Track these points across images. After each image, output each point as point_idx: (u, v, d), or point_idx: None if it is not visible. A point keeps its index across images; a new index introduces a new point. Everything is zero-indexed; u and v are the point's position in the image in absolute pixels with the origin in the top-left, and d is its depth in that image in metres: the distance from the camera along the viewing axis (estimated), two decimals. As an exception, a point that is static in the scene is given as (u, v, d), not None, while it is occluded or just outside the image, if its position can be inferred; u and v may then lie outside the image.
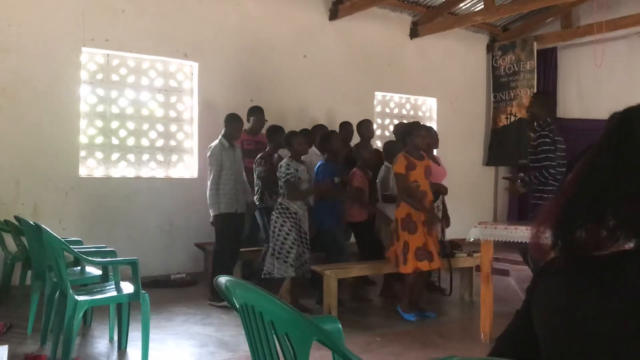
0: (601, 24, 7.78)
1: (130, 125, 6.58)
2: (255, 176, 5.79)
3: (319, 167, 5.60)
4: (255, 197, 5.80)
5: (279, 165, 5.31)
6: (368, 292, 6.22)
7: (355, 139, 6.58)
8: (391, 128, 8.11)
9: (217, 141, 5.59)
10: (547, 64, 8.93)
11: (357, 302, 5.77)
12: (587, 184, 0.98)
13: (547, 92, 6.25)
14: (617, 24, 7.67)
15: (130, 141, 6.58)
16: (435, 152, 6.13)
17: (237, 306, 1.62)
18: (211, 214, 5.50)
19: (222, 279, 1.66)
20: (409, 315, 5.09)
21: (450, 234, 6.02)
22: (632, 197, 0.92)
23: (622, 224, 0.96)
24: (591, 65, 8.12)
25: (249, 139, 6.29)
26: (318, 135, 6.13)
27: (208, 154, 5.59)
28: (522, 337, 1.10)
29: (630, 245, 0.98)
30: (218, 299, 5.24)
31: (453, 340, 4.57)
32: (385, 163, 5.91)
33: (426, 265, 5.00)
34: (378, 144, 7.93)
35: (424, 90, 8.87)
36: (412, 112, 8.93)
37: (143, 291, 3.71)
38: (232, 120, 5.68)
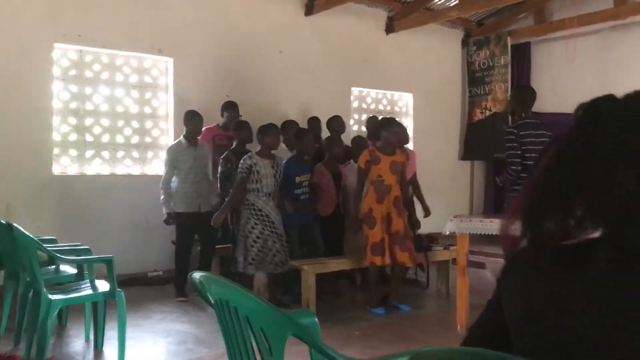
0: (573, 19, 7.89)
1: (105, 122, 6.50)
2: (220, 172, 5.76)
3: (286, 163, 5.55)
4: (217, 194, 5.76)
5: (241, 161, 5.25)
6: (347, 286, 6.24)
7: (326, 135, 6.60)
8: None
9: (176, 141, 5.62)
10: (521, 58, 9.04)
11: (336, 297, 5.79)
12: (555, 174, 1.00)
13: (526, 87, 6.30)
14: (589, 19, 7.79)
15: (105, 138, 6.50)
16: (411, 146, 6.16)
17: (212, 302, 1.62)
18: (164, 212, 5.56)
19: (197, 275, 1.66)
20: (377, 309, 5.13)
21: (427, 227, 6.07)
22: (599, 187, 0.94)
23: (589, 213, 0.98)
24: (564, 60, 8.24)
25: (221, 134, 6.25)
26: (290, 130, 6.12)
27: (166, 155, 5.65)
28: (494, 326, 1.12)
29: (597, 234, 1.00)
30: (182, 294, 5.37)
31: (430, 333, 4.61)
32: (351, 161, 5.94)
33: (379, 260, 5.05)
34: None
35: (400, 86, 8.91)
36: (388, 108, 8.96)
37: (119, 289, 3.67)
38: (190, 117, 5.67)
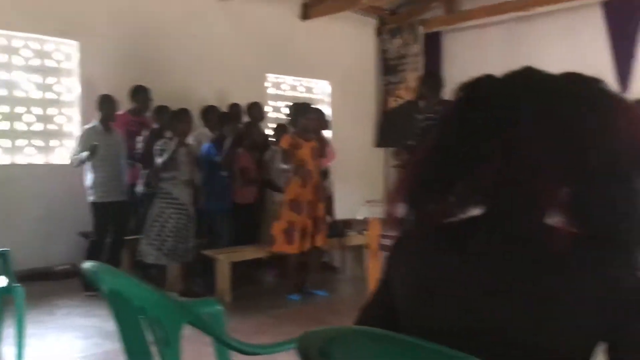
0: (481, 10, 8.18)
1: (3, 108, 6.10)
2: (137, 158, 5.57)
3: (209, 147, 5.48)
4: (142, 181, 5.59)
5: (155, 144, 5.11)
6: (264, 274, 6.22)
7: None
8: (284, 110, 8.13)
9: (90, 125, 5.35)
10: (433, 48, 9.26)
11: (252, 285, 5.75)
12: (437, 153, 1.01)
13: (435, 73, 6.48)
14: (496, 10, 8.09)
15: (4, 125, 6.11)
16: (330, 134, 6.20)
17: (105, 293, 1.55)
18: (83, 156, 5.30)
19: (88, 265, 1.58)
20: (293, 295, 5.15)
21: (342, 213, 6.14)
22: (478, 165, 0.96)
23: (470, 191, 1.00)
24: (473, 50, 8.52)
25: (132, 120, 6.04)
26: (212, 115, 6.03)
27: (77, 138, 5.37)
28: (383, 305, 1.13)
29: (478, 211, 1.02)
30: (90, 287, 5.11)
31: (344, 316, 4.67)
32: (272, 147, 5.91)
33: (307, 246, 5.08)
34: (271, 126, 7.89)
35: (316, 73, 8.92)
36: (305, 95, 8.96)
37: (18, 284, 3.46)
38: (104, 101, 5.43)
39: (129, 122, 6.00)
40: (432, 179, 1.01)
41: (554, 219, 0.97)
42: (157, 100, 6.16)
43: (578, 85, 0.96)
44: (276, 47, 8.25)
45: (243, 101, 6.73)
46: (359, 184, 8.58)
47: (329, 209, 5.68)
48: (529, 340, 0.90)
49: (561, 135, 0.92)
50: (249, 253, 5.37)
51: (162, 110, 5.74)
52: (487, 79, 1.01)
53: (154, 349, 1.49)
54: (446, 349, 0.81)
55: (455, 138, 0.98)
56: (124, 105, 6.06)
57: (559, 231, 0.94)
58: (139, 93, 6.08)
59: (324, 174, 5.80)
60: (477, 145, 0.95)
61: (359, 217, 4.72)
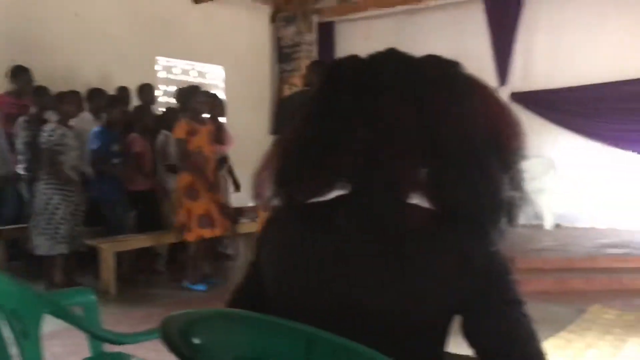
0: (371, 1, 8.37)
1: None
2: (19, 142, 5.20)
3: (95, 133, 5.21)
4: (21, 166, 5.22)
5: (42, 130, 4.80)
6: (154, 264, 6.03)
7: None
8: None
9: None
10: (326, 37, 9.37)
11: (141, 275, 5.56)
12: (303, 133, 1.01)
13: (323, 62, 6.55)
14: (385, 2, 8.31)
15: None
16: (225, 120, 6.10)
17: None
18: None
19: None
20: (199, 285, 5.04)
21: (236, 200, 6.08)
22: (342, 144, 0.97)
23: (336, 171, 1.00)
24: (364, 40, 8.71)
25: (11, 101, 5.62)
26: (98, 99, 5.74)
27: None
28: (253, 287, 1.12)
29: (345, 190, 1.03)
30: None
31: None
32: (164, 131, 5.73)
33: (209, 233, 4.99)
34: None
35: (210, 58, 8.74)
36: (198, 80, 8.75)
37: None
38: None
39: (8, 104, 5.58)
40: (298, 158, 1.00)
41: (416, 199, 1.00)
42: (38, 81, 5.77)
43: (437, 67, 0.99)
44: (167, 29, 7.98)
45: (131, 84, 6.45)
46: (254, 170, 8.52)
47: (228, 196, 5.62)
48: (389, 315, 0.92)
49: (420, 115, 0.94)
50: (134, 242, 5.18)
51: (40, 91, 5.38)
52: (351, 60, 1.02)
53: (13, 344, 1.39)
54: (303, 325, 0.81)
55: (320, 118, 0.99)
56: (3, 86, 5.63)
57: (418, 209, 0.97)
58: (19, 74, 5.66)
59: (223, 160, 5.73)
60: (341, 124, 0.96)
61: (252, 204, 4.68)
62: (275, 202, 1.04)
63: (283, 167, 1.02)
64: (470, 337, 0.95)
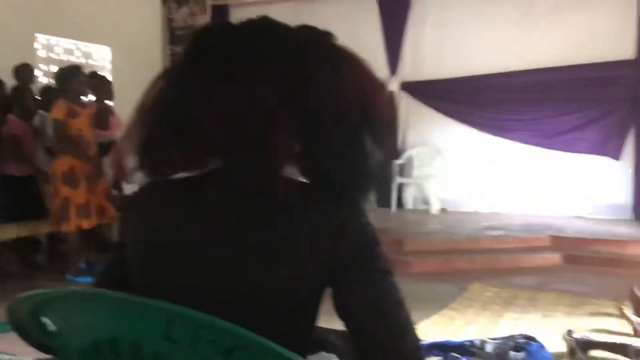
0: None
1: None
2: None
3: None
4: None
5: None
6: (33, 256, 5.65)
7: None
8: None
9: None
10: (221, 20, 9.18)
11: (21, 266, 5.21)
12: (168, 101, 0.95)
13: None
14: (280, -11, 8.28)
15: None
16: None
17: None
18: None
19: None
20: (84, 277, 4.78)
21: (129, 187, 5.82)
22: (209, 114, 0.92)
23: (203, 142, 0.96)
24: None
25: None
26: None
27: None
28: (119, 270, 1.05)
29: (213, 165, 0.98)
30: None
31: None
32: (40, 111, 5.37)
33: (87, 223, 4.73)
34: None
35: (95, 37, 8.28)
36: (83, 60, 8.27)
37: None
38: None
39: None
40: (162, 126, 0.94)
41: (289, 171, 0.97)
42: None
43: (309, 37, 0.97)
44: (48, 5, 7.47)
45: (6, 63, 5.98)
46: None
47: (117, 184, 5.33)
48: (257, 289, 0.90)
49: (291, 85, 0.92)
50: (7, 232, 4.82)
51: None
52: (221, 25, 0.98)
53: None
54: (163, 302, 0.76)
55: (184, 85, 0.93)
56: None
57: (289, 182, 0.94)
58: None
59: (109, 145, 5.43)
60: (205, 93, 0.91)
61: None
62: (140, 174, 0.98)
63: (145, 135, 0.95)
64: (342, 308, 0.94)
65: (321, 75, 0.93)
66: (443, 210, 7.55)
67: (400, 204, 7.59)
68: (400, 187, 7.58)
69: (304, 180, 0.97)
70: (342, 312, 0.94)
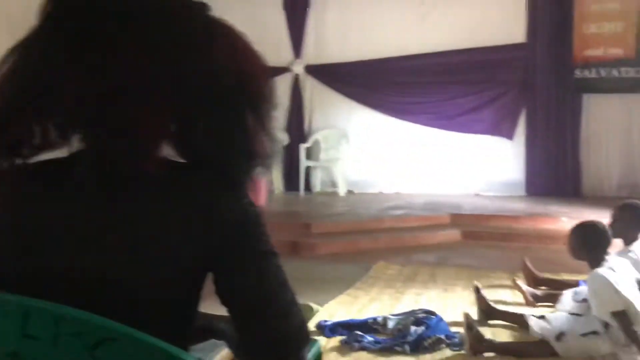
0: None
1: None
2: None
3: None
4: None
5: None
6: None
7: None
8: None
9: None
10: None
11: None
12: (21, 76, 0.87)
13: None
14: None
15: None
16: None
17: None
18: None
19: None
20: None
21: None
22: (73, 90, 0.84)
23: (68, 122, 0.88)
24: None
25: None
26: None
27: None
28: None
29: (80, 145, 0.90)
30: None
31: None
32: None
33: None
34: None
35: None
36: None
37: None
38: None
39: None
40: (18, 104, 0.86)
41: (164, 151, 0.92)
42: None
43: (182, 8, 0.91)
44: None
45: None
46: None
47: None
48: (126, 276, 0.84)
49: (163, 54, 0.86)
50: None
51: None
52: None
53: None
54: (18, 296, 0.70)
55: (44, 54, 0.84)
56: None
57: (160, 163, 0.88)
58: None
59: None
60: (68, 60, 0.83)
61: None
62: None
63: (1, 116, 0.86)
64: (224, 293, 0.90)
65: (195, 48, 0.88)
66: (350, 192, 7.67)
67: (308, 187, 7.64)
68: (308, 170, 7.62)
69: (180, 161, 0.92)
70: (225, 297, 0.90)
